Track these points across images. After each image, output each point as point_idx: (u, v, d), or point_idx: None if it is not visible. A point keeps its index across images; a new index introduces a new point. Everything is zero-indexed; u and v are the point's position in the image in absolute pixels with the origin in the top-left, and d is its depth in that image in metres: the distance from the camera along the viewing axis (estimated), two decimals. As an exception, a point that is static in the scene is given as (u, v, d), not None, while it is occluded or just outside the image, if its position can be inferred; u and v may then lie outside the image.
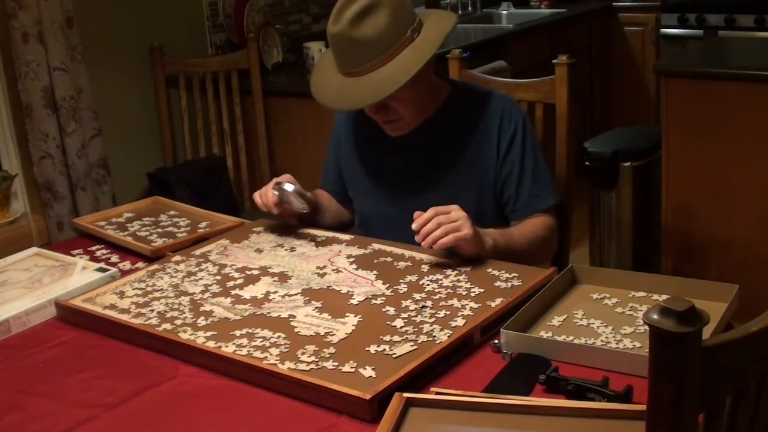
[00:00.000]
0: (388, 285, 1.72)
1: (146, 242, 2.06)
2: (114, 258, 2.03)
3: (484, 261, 1.79)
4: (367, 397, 1.30)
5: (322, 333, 1.54)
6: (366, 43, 1.83)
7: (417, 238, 1.77)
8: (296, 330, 1.56)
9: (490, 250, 1.82)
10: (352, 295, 1.69)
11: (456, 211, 1.77)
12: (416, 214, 1.78)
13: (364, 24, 1.83)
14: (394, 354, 1.44)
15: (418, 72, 1.83)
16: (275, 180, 2.00)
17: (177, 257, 1.95)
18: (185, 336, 1.57)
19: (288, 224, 2.07)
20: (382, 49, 1.84)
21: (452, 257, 1.81)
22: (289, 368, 1.42)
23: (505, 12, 4.97)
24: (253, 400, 1.40)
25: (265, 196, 1.98)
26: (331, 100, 1.92)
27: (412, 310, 1.60)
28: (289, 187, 1.97)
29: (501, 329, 1.47)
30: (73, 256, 2.03)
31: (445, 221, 1.75)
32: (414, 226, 1.77)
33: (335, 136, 2.18)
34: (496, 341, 1.48)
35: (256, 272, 1.84)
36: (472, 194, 1.98)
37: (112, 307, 1.72)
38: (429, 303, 1.62)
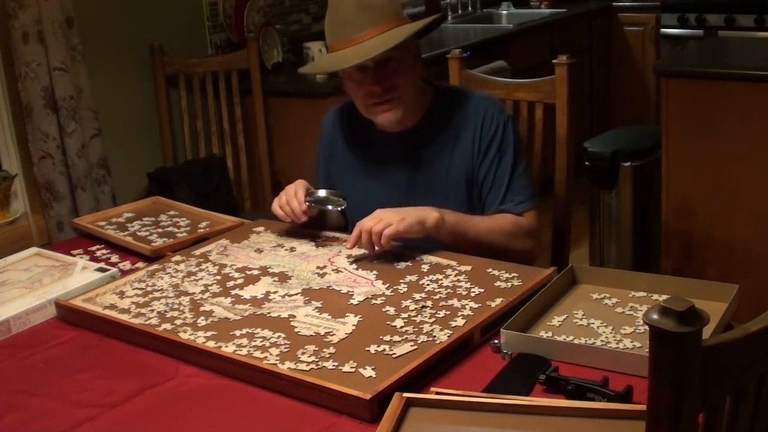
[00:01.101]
0: (388, 285, 1.72)
1: (146, 242, 2.06)
2: (114, 258, 2.03)
3: (485, 261, 1.79)
4: (367, 397, 1.30)
5: (322, 333, 1.54)
6: (371, 7, 1.88)
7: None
8: (296, 330, 1.56)
9: (434, 224, 1.84)
10: (352, 295, 1.69)
11: (378, 213, 1.84)
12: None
13: None
14: (394, 354, 1.44)
15: (421, 30, 1.91)
16: (295, 190, 1.97)
17: (177, 257, 1.95)
18: (185, 336, 1.57)
19: (288, 224, 2.07)
20: (385, 16, 1.89)
21: (452, 256, 1.82)
22: (289, 368, 1.42)
23: (505, 12, 4.97)
24: (253, 400, 1.40)
25: (288, 206, 1.96)
26: (339, 62, 1.91)
27: (412, 310, 1.60)
28: (322, 192, 1.99)
29: (501, 329, 1.47)
30: (73, 256, 2.03)
31: (372, 224, 1.81)
32: (348, 245, 1.85)
33: (323, 142, 2.17)
34: (496, 341, 1.48)
35: (256, 272, 1.84)
36: (463, 196, 1.97)
37: (112, 307, 1.72)
38: (429, 303, 1.62)
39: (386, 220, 1.81)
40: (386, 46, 1.84)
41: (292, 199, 1.96)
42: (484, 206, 1.99)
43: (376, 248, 1.81)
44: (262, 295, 1.72)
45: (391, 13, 1.91)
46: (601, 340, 1.46)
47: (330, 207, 1.99)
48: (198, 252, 1.97)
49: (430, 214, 1.84)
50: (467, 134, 1.98)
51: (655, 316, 0.85)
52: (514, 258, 1.84)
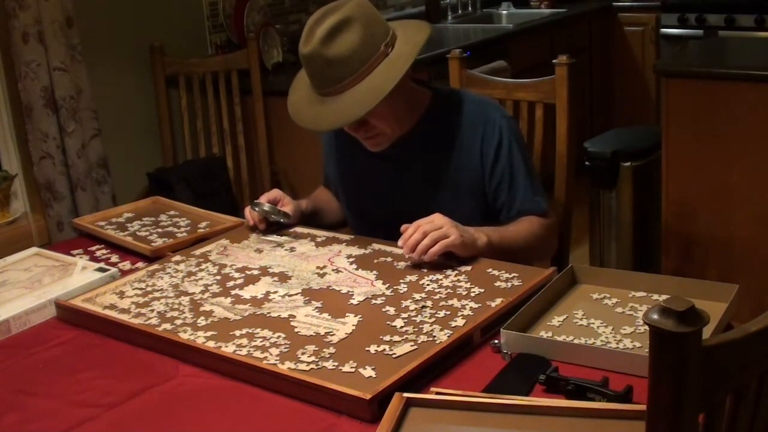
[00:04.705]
0: (388, 285, 1.72)
1: (146, 242, 2.06)
2: (114, 258, 2.03)
3: (484, 261, 1.79)
4: (367, 397, 1.30)
5: (322, 333, 1.54)
6: (338, 62, 1.80)
7: (405, 251, 1.78)
8: (296, 330, 1.56)
9: (484, 247, 1.82)
10: (352, 295, 1.69)
11: (438, 219, 1.78)
12: (403, 227, 1.79)
13: (336, 43, 1.80)
14: (394, 354, 1.44)
15: (393, 88, 1.80)
16: (255, 201, 2.06)
17: (177, 257, 1.95)
18: (185, 336, 1.57)
19: (287, 225, 2.07)
20: (355, 68, 1.81)
21: (452, 257, 1.82)
22: (289, 368, 1.42)
23: (505, 12, 4.98)
24: (253, 400, 1.40)
25: (249, 214, 2.06)
26: (310, 122, 1.90)
27: (412, 310, 1.60)
28: (265, 205, 2.03)
29: (501, 329, 1.47)
30: (73, 256, 2.03)
31: (430, 229, 1.76)
32: (400, 242, 1.79)
33: (324, 146, 2.19)
34: (496, 341, 1.48)
35: (256, 272, 1.84)
36: (459, 202, 1.95)
37: (112, 307, 1.72)
38: (429, 303, 1.62)
39: (445, 230, 1.75)
40: (353, 117, 1.80)
41: (252, 209, 2.05)
42: (502, 209, 1.97)
43: (419, 255, 1.75)
44: (262, 295, 1.72)
45: (363, 56, 1.81)
46: (601, 340, 1.46)
47: (273, 217, 2.03)
48: (198, 252, 1.98)
49: (480, 240, 1.81)
50: (469, 141, 1.96)
51: (655, 316, 0.85)
52: (542, 258, 1.83)
